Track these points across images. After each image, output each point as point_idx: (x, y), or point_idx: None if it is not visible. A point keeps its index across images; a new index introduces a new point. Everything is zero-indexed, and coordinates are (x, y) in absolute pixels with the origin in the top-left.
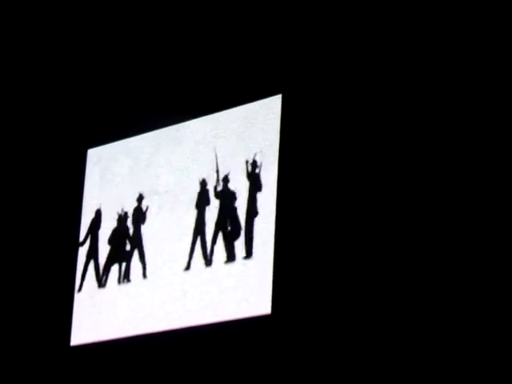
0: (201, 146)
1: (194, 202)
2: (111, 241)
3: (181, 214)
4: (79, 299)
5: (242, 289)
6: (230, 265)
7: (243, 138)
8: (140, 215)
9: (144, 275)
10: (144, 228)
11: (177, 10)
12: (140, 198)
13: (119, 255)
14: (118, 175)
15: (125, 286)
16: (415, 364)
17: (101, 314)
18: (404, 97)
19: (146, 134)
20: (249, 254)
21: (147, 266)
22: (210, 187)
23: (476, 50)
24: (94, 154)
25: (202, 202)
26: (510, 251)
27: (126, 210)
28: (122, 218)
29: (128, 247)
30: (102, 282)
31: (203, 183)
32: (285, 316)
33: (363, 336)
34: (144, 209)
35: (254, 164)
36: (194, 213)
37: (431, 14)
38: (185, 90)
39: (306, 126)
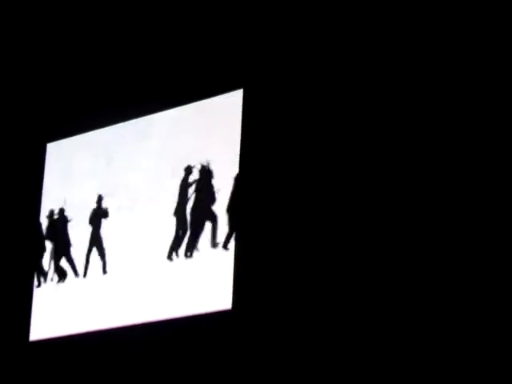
0: (163, 140)
1: (156, 198)
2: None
3: (142, 210)
4: (38, 294)
5: (204, 284)
6: (191, 260)
7: (205, 132)
8: (100, 214)
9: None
10: (106, 223)
11: (139, 5)
12: (99, 199)
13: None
14: (79, 170)
15: (84, 282)
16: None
17: (61, 309)
18: (367, 89)
19: (107, 127)
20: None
21: (107, 263)
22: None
23: (465, 50)
24: (53, 148)
25: (98, 216)
26: (510, 251)
27: (88, 205)
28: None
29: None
30: (62, 277)
31: (99, 199)
32: (245, 311)
33: (325, 330)
34: (104, 208)
35: (207, 172)
36: (156, 207)
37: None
38: (147, 83)
39: (267, 121)
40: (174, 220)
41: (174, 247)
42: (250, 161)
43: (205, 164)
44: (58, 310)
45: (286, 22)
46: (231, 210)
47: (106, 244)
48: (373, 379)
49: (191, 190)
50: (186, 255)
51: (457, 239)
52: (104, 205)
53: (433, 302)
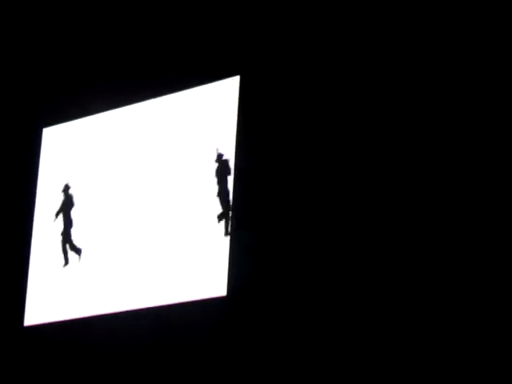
0: (157, 126)
1: (148, 183)
2: None
3: (137, 195)
4: (33, 279)
5: (198, 271)
6: (187, 246)
7: (201, 119)
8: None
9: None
10: (98, 209)
11: None
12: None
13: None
14: (74, 155)
15: (79, 267)
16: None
17: (56, 294)
18: (364, 75)
19: (102, 113)
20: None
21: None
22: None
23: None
24: (49, 133)
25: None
26: (510, 251)
27: (81, 189)
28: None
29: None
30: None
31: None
32: (240, 298)
33: (320, 319)
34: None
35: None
36: (147, 194)
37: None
38: (143, 69)
39: (263, 108)
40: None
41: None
42: (246, 148)
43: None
44: (53, 295)
45: (283, 9)
46: (222, 195)
47: (104, 228)
48: (367, 367)
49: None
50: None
51: (457, 239)
52: (71, 193)
53: (434, 301)
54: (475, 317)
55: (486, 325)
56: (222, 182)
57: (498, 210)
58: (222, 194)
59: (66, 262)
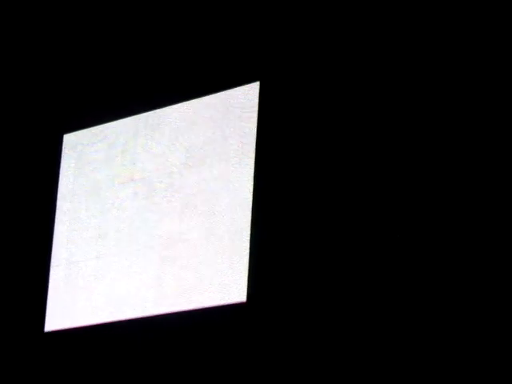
0: (178, 133)
1: (170, 189)
2: None
3: (156, 202)
4: (54, 285)
5: (218, 277)
6: (205, 253)
7: (220, 125)
8: None
9: None
10: (119, 215)
11: None
12: None
13: None
14: (94, 161)
15: (99, 273)
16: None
17: (77, 299)
18: (387, 86)
19: (122, 119)
20: None
21: None
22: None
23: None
24: (69, 139)
25: None
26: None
27: (101, 195)
28: None
29: None
30: None
31: None
32: (260, 305)
33: (342, 324)
34: None
35: None
36: (169, 200)
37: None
38: (162, 76)
39: (283, 114)
40: (194, 209)
41: None
42: (265, 155)
43: None
44: (74, 301)
45: (304, 15)
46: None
47: (122, 231)
48: (389, 369)
49: None
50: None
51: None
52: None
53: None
54: (478, 318)
55: (487, 325)
56: None
57: (498, 210)
58: None
59: None
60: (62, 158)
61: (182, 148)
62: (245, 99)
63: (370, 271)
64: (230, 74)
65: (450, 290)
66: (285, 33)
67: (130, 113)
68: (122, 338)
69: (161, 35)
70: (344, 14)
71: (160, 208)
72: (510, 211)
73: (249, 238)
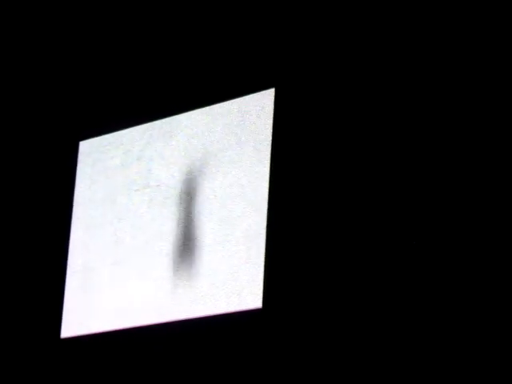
0: (193, 139)
1: (182, 195)
2: None
3: (172, 208)
4: (70, 291)
5: (233, 283)
6: (221, 258)
7: (236, 132)
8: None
9: None
10: (135, 222)
11: (168, 2)
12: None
13: None
14: (110, 168)
15: (115, 279)
16: (407, 358)
17: (92, 306)
18: (400, 92)
19: (137, 126)
20: None
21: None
22: (200, 180)
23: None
24: (85, 146)
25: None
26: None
27: (116, 201)
28: None
29: None
30: None
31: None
32: (276, 311)
33: (358, 330)
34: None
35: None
36: (179, 205)
37: (430, 14)
38: (177, 83)
39: (299, 121)
40: (209, 216)
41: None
42: (281, 161)
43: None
44: (90, 307)
45: (319, 21)
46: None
47: (138, 238)
48: (402, 373)
49: None
50: None
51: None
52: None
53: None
54: (478, 318)
55: (487, 325)
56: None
57: (498, 210)
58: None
59: None
60: (78, 165)
61: (196, 155)
62: (260, 106)
63: (387, 278)
64: (244, 81)
65: (453, 291)
66: (300, 39)
67: (144, 120)
68: (137, 344)
69: (175, 42)
70: (359, 21)
71: (173, 212)
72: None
73: (264, 244)
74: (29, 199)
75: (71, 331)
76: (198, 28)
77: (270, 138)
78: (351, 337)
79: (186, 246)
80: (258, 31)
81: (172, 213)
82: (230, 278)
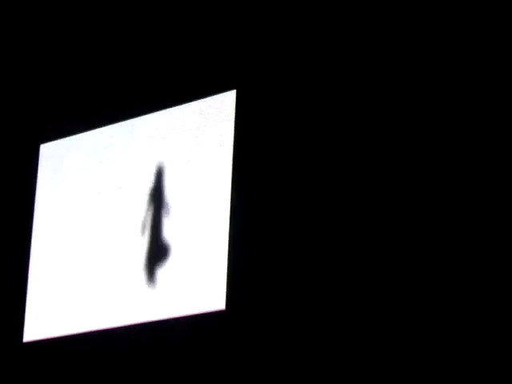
0: (154, 141)
1: (146, 196)
2: None
3: (135, 211)
4: (32, 294)
5: (197, 284)
6: (184, 260)
7: (197, 133)
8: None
9: None
10: (98, 225)
11: (128, 5)
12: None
13: None
14: (71, 171)
15: (78, 281)
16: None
17: (55, 309)
18: (365, 90)
19: (99, 128)
20: None
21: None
22: (164, 182)
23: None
24: (46, 149)
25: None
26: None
27: (79, 205)
28: None
29: None
30: None
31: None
32: (239, 312)
33: (323, 331)
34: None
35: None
36: (145, 207)
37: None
38: (138, 84)
39: (260, 122)
40: (166, 219)
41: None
42: (243, 163)
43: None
44: (53, 310)
45: (280, 22)
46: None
47: (102, 242)
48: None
49: None
50: None
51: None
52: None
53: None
54: (476, 317)
55: (487, 325)
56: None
57: (498, 211)
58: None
59: None
60: (39, 168)
61: (157, 157)
62: (221, 107)
63: (349, 277)
64: (205, 83)
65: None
66: (261, 40)
67: (106, 122)
68: (101, 347)
69: (136, 44)
70: (319, 22)
71: (138, 214)
72: (510, 212)
73: (227, 246)
74: None
75: (34, 335)
76: (159, 30)
77: (232, 140)
78: (316, 336)
79: (150, 248)
80: (220, 33)
81: (134, 215)
82: (194, 280)
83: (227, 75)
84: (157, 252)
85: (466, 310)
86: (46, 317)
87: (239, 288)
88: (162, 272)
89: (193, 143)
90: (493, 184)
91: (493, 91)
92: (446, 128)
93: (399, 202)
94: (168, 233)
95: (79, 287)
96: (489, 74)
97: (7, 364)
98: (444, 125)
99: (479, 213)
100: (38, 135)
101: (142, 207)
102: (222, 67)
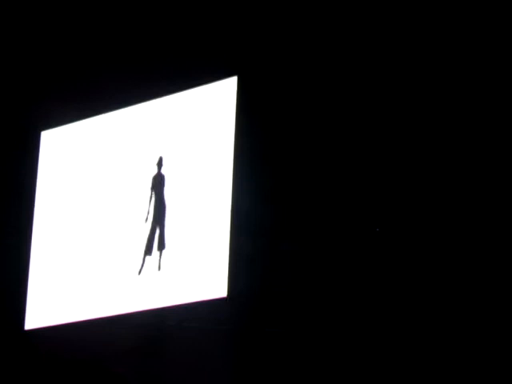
0: (156, 127)
1: (147, 184)
2: None
3: (136, 199)
4: (34, 283)
5: (198, 272)
6: (186, 248)
7: (199, 120)
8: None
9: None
10: (99, 213)
11: None
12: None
13: None
14: (72, 157)
15: (79, 269)
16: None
17: (56, 297)
18: (365, 79)
19: (99, 115)
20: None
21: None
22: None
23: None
24: (47, 137)
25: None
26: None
27: (79, 192)
28: None
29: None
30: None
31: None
32: (241, 299)
33: (323, 321)
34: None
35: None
36: (146, 196)
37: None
38: (139, 71)
39: (262, 108)
40: (168, 206)
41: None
42: (245, 151)
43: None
44: (54, 298)
45: (281, 8)
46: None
47: (104, 230)
48: (369, 368)
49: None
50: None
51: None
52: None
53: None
54: (475, 317)
55: (486, 325)
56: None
57: (497, 211)
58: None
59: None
60: (40, 155)
61: (158, 143)
62: (223, 94)
63: (353, 266)
64: (207, 69)
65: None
66: (263, 27)
67: (108, 109)
68: (102, 334)
69: (137, 31)
70: (320, 10)
71: (139, 203)
72: (509, 211)
73: (229, 234)
74: None
75: (35, 323)
76: (160, 17)
77: (234, 126)
78: (317, 324)
79: (151, 236)
80: (221, 19)
81: (136, 201)
82: (196, 268)
83: (229, 62)
84: (158, 241)
85: (466, 309)
86: (47, 305)
87: (240, 276)
88: (163, 260)
89: (195, 130)
90: (493, 184)
91: (493, 91)
92: (446, 126)
93: (399, 201)
94: (169, 221)
95: (80, 276)
96: (489, 73)
97: (9, 351)
98: (444, 123)
99: (479, 213)
100: (38, 123)
101: (144, 194)
102: (224, 54)
